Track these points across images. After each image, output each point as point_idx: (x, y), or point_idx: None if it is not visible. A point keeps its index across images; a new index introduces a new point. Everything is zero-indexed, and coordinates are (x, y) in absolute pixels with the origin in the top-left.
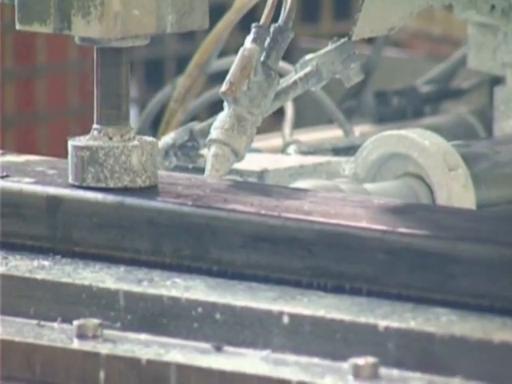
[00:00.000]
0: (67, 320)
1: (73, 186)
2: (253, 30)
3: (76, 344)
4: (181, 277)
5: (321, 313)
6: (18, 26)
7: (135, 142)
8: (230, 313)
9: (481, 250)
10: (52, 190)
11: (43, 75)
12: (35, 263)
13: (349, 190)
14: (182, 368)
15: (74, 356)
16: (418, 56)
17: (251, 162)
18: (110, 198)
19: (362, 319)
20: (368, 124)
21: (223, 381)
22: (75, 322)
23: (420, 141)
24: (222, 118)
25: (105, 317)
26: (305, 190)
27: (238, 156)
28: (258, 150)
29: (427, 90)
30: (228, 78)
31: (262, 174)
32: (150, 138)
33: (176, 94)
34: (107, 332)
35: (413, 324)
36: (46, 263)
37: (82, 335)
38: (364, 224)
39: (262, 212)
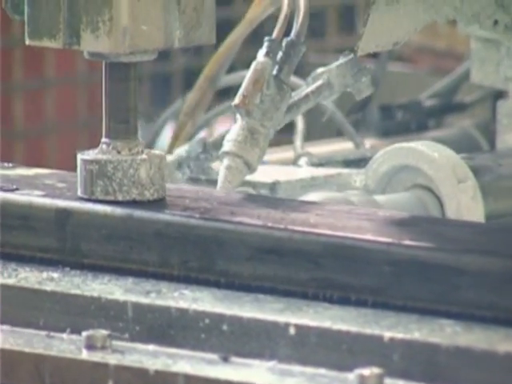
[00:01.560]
0: (76, 331)
1: (82, 199)
2: (265, 44)
3: (85, 355)
4: (188, 288)
5: (327, 324)
6: (27, 42)
7: (143, 156)
8: (237, 324)
9: (485, 262)
10: (61, 203)
11: (52, 88)
12: (44, 275)
13: (359, 201)
14: (189, 378)
15: (82, 366)
16: (421, 70)
17: (263, 174)
18: (119, 210)
19: (368, 330)
20: (372, 138)
21: None
22: (84, 333)
23: (430, 153)
24: (234, 131)
25: (113, 328)
26: (311, 203)
27: (251, 168)
28: (265, 163)
29: (431, 104)
30: (241, 91)
31: (273, 185)
32: (157, 152)
33: (185, 107)
34: (116, 343)
35: (417, 335)
36: (55, 275)
37: (90, 346)
38: (369, 236)
39: (269, 224)
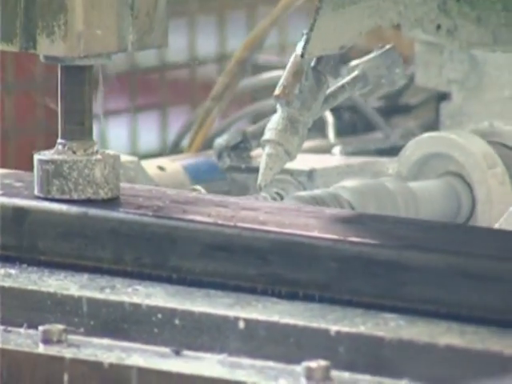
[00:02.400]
0: (33, 326)
1: (38, 198)
2: (304, 37)
3: (41, 348)
4: (142, 284)
5: (275, 318)
6: None
7: (98, 156)
8: (189, 318)
9: (427, 258)
10: (18, 202)
11: (11, 92)
12: (2, 271)
13: (394, 188)
14: (142, 371)
15: (39, 360)
16: None
17: (300, 162)
18: (74, 209)
19: (315, 324)
20: (321, 138)
21: (181, 383)
22: (41, 328)
23: (460, 141)
24: (275, 120)
25: (69, 322)
26: (260, 202)
27: (291, 156)
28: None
29: (378, 105)
30: (281, 82)
31: (310, 173)
32: (112, 152)
33: (214, 91)
34: (71, 337)
35: (363, 328)
36: (12, 271)
37: (47, 340)
38: (316, 233)
39: (219, 222)
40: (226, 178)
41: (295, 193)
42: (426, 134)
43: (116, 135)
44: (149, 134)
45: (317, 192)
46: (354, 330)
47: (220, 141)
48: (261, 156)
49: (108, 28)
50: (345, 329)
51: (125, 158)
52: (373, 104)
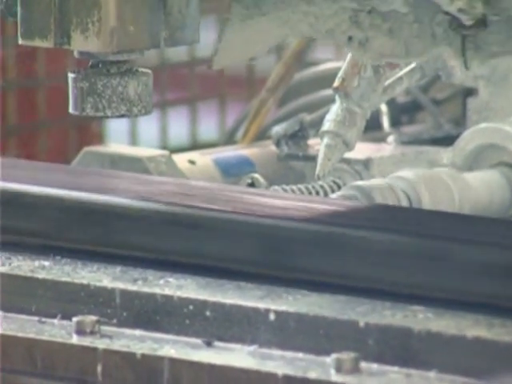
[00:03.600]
0: (67, 317)
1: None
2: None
3: (75, 339)
4: (173, 276)
5: (305, 310)
6: (20, 41)
7: (131, 74)
8: (220, 310)
9: (458, 249)
10: (49, 191)
11: (44, 86)
12: (36, 263)
13: (449, 178)
14: (174, 362)
15: (73, 350)
16: None
17: (356, 151)
18: (104, 198)
19: (344, 316)
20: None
21: (213, 374)
22: (74, 319)
23: None
24: (334, 111)
25: (102, 314)
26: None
27: (349, 146)
28: None
29: (404, 100)
30: (340, 74)
31: (367, 162)
32: (145, 70)
33: (269, 82)
34: (104, 328)
35: (391, 320)
36: (46, 263)
37: (80, 331)
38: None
39: (246, 211)
40: (255, 171)
41: (352, 182)
42: (481, 125)
43: (146, 130)
44: (179, 128)
45: (373, 182)
46: (382, 321)
47: (278, 129)
48: (318, 145)
49: (141, 24)
50: (373, 321)
51: (156, 151)
52: (399, 99)
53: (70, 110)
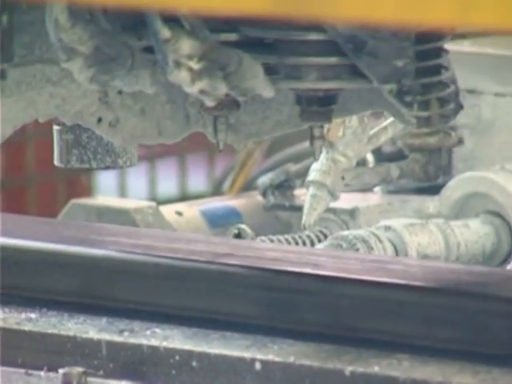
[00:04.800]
0: (53, 369)
1: (55, 241)
2: None
3: None
4: (159, 327)
5: (291, 359)
6: None
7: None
8: (206, 360)
9: (442, 299)
10: (35, 245)
11: (32, 140)
12: (23, 315)
13: (435, 227)
14: None
15: None
16: None
17: (343, 200)
18: (90, 251)
19: (330, 365)
20: None
21: None
22: (61, 371)
23: (500, 181)
24: (319, 161)
25: (88, 365)
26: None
27: (334, 196)
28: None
29: (391, 150)
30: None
31: (353, 211)
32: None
33: None
34: (91, 379)
35: (377, 369)
36: (32, 315)
37: (67, 383)
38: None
39: (232, 262)
40: (242, 222)
41: (338, 232)
42: (467, 174)
43: (135, 182)
44: (168, 180)
45: (359, 232)
46: (368, 370)
47: (264, 179)
48: (304, 195)
49: None
50: (359, 369)
51: (143, 203)
52: (386, 148)
53: (55, 162)
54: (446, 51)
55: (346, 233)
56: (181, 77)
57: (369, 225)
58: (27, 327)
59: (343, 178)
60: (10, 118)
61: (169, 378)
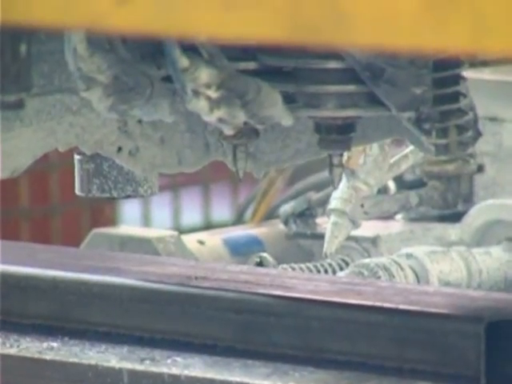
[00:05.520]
0: None
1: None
2: None
3: None
4: (180, 355)
5: None
6: None
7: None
8: None
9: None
10: (55, 274)
11: (56, 169)
12: (45, 345)
13: (457, 255)
14: None
15: None
16: None
17: (364, 229)
18: (110, 279)
19: None
20: None
21: None
22: None
23: None
24: (340, 189)
25: None
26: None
27: (356, 224)
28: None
29: (412, 178)
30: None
31: (374, 239)
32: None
33: None
34: None
35: None
36: (54, 344)
37: None
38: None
39: (251, 291)
40: (264, 250)
41: (360, 260)
42: (488, 201)
43: (159, 212)
44: (192, 209)
45: (381, 260)
46: None
47: (286, 208)
48: (326, 223)
49: None
50: None
51: (165, 232)
52: (406, 177)
53: (77, 192)
54: (464, 78)
55: (367, 260)
56: (199, 105)
57: (390, 252)
58: (49, 356)
59: (362, 206)
60: (29, 148)
61: None
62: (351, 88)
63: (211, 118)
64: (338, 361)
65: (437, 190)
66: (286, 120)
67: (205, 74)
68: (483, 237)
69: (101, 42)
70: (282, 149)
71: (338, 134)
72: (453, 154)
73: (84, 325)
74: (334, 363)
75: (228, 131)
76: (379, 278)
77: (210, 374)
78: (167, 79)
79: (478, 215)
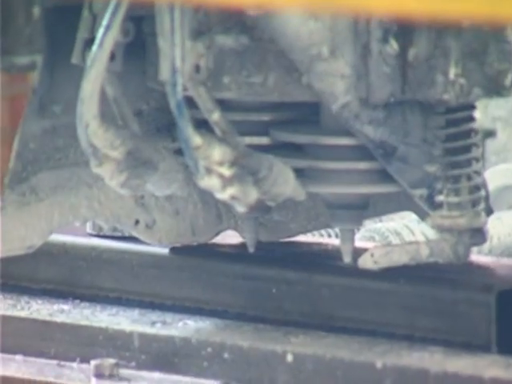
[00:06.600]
0: (85, 360)
1: (91, 236)
2: None
3: (94, 382)
4: (191, 318)
5: (322, 352)
6: None
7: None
8: (238, 352)
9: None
10: (72, 239)
11: None
12: (55, 307)
13: None
14: None
15: None
16: None
17: None
18: (124, 246)
19: (361, 357)
20: None
21: None
22: (93, 362)
23: None
24: None
25: (120, 357)
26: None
27: None
28: None
29: None
30: None
31: None
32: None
33: None
34: (123, 371)
35: (408, 361)
36: (65, 307)
37: (99, 374)
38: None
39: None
40: None
41: (371, 224)
42: (499, 167)
43: None
44: None
45: (392, 224)
46: (399, 362)
47: None
48: None
49: None
50: (390, 361)
51: None
52: None
53: (88, 230)
54: (477, 145)
55: (378, 225)
56: (212, 183)
57: (402, 217)
58: (59, 319)
59: (372, 256)
60: (45, 223)
61: (200, 370)
62: (363, 165)
63: (224, 195)
64: (348, 328)
65: (448, 242)
66: (299, 196)
67: (218, 152)
68: (494, 202)
69: (114, 118)
70: (292, 219)
71: (350, 210)
72: (465, 211)
73: (95, 290)
74: (345, 330)
75: (240, 208)
76: (390, 242)
77: (220, 338)
78: (180, 152)
79: (488, 180)
